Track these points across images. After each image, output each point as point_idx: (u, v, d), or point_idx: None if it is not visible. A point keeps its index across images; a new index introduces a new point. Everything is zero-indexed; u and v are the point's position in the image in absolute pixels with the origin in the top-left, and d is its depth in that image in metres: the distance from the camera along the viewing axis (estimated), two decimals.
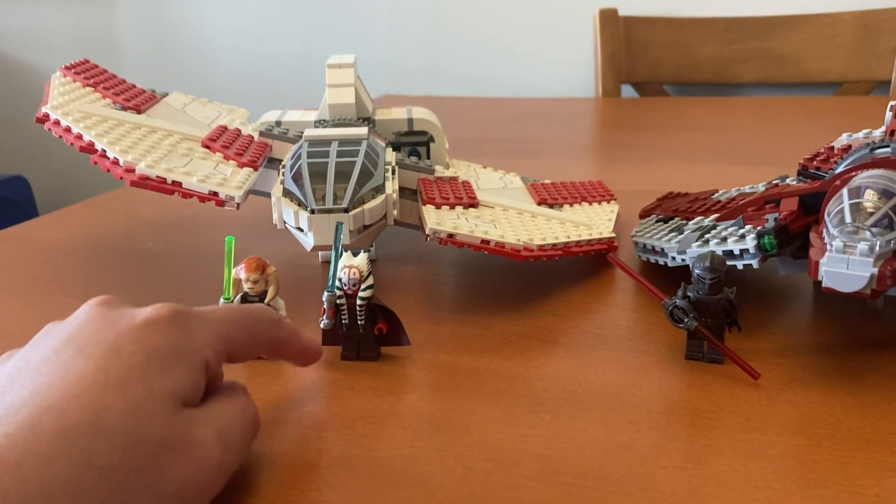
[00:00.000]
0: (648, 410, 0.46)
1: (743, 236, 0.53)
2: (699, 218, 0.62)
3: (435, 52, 1.82)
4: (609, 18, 1.59)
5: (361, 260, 0.51)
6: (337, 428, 0.45)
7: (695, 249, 0.55)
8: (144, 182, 0.55)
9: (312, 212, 0.55)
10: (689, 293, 0.50)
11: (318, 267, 0.69)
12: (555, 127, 1.30)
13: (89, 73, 0.72)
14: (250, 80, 1.94)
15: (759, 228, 0.52)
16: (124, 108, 0.67)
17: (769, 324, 0.56)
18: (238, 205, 0.56)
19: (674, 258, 0.58)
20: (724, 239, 0.54)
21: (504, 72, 1.76)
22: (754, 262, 0.52)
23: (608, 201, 0.77)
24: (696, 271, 0.49)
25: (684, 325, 0.50)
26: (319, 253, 0.70)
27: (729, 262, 0.51)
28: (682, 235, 0.59)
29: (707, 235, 0.57)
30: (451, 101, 1.51)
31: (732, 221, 0.58)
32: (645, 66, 1.62)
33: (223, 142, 0.64)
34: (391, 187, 0.59)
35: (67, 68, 0.72)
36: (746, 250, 0.52)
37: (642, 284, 0.52)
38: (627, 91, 1.66)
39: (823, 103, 1.42)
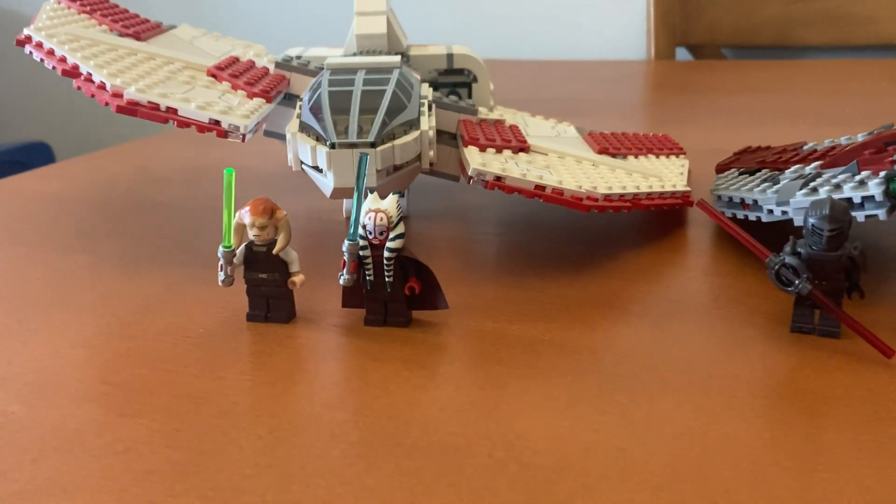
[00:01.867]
0: (752, 394, 0.36)
1: (863, 182, 0.43)
2: (798, 166, 0.51)
3: (476, 12, 1.71)
4: None
5: (390, 203, 0.42)
6: (356, 408, 0.36)
7: (801, 198, 0.45)
8: (134, 108, 0.46)
9: (332, 146, 0.46)
10: (799, 249, 0.40)
11: (342, 223, 0.60)
12: (604, 88, 1.19)
13: (87, 1, 0.63)
14: (280, 24, 1.83)
15: (885, 172, 0.42)
16: (122, 35, 0.58)
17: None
18: (244, 137, 0.46)
19: (770, 211, 0.48)
20: (838, 186, 0.44)
21: (548, 33, 1.65)
22: (881, 213, 0.42)
23: (677, 155, 0.67)
24: (812, 221, 0.39)
25: (794, 288, 0.40)
26: (344, 205, 0.61)
27: None
28: (779, 185, 0.49)
29: (813, 183, 0.46)
30: (492, 64, 1.41)
31: (843, 168, 0.47)
32: (701, 28, 1.50)
33: (233, 71, 0.55)
34: (427, 123, 0.50)
35: None
36: (870, 198, 0.42)
37: (742, 238, 0.42)
38: (682, 54, 1.54)
39: None
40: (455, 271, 0.51)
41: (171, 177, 0.74)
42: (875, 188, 0.41)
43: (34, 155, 1.92)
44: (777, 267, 0.40)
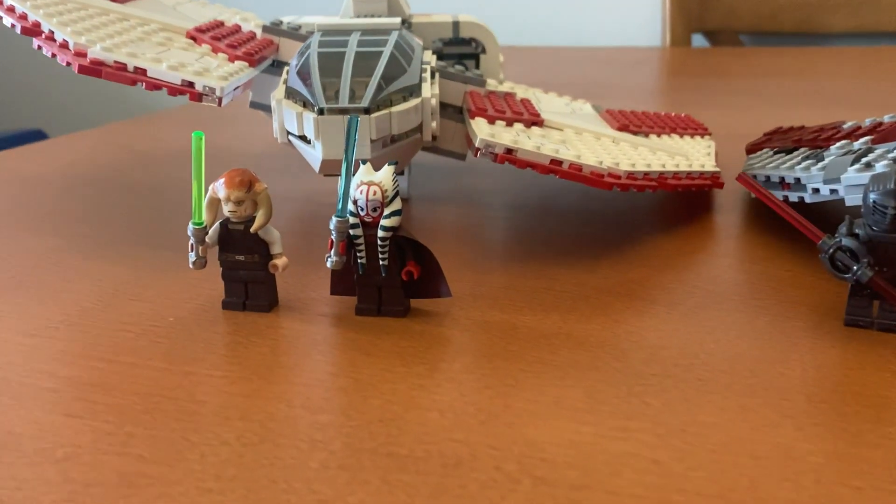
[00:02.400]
0: (808, 398, 0.31)
1: None
2: (844, 141, 0.46)
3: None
4: None
5: (385, 176, 0.36)
6: (341, 409, 0.30)
7: (853, 175, 0.39)
8: (98, 68, 0.41)
9: (321, 112, 0.40)
10: (857, 230, 0.34)
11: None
12: (619, 73, 1.13)
13: None
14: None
15: None
16: None
17: None
18: (220, 101, 0.41)
19: (816, 189, 0.42)
20: None
21: (563, 19, 1.59)
22: None
23: (702, 136, 0.61)
24: (873, 197, 0.34)
25: (852, 274, 0.34)
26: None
27: None
28: (825, 161, 0.43)
29: (865, 159, 0.41)
30: (506, 50, 1.35)
31: None
32: (719, 13, 1.44)
33: (215, 34, 0.49)
34: (430, 91, 0.44)
35: None
36: None
37: (790, 217, 0.36)
38: (698, 41, 1.49)
39: None
40: (460, 257, 0.45)
41: (156, 158, 0.69)
42: None
43: (30, 143, 1.88)
44: (832, 250, 0.34)
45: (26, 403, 0.31)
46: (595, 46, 1.41)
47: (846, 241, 0.34)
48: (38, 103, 2.23)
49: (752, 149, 0.58)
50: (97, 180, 0.63)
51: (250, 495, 0.26)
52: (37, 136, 1.91)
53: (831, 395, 0.31)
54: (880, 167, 0.38)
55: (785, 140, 0.55)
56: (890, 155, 0.40)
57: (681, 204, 0.54)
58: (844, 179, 0.40)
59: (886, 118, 0.53)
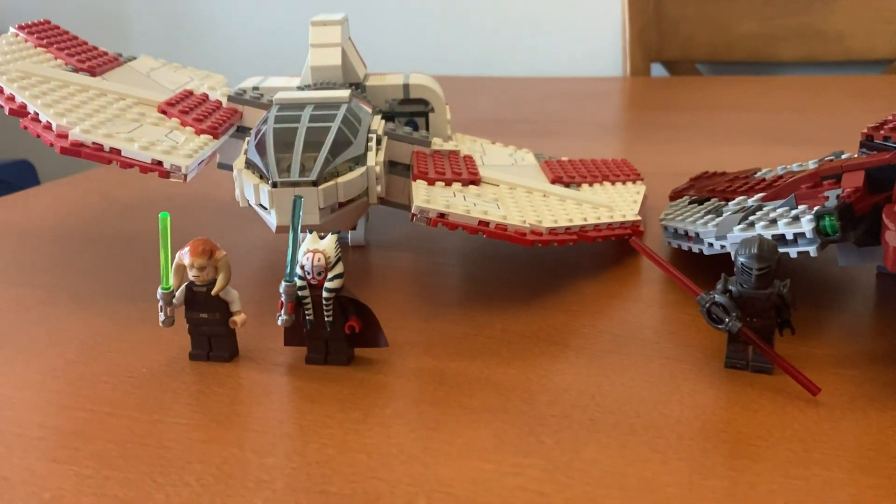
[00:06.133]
0: (679, 435, 0.36)
1: (797, 218, 0.43)
2: (741, 198, 0.52)
3: (450, 30, 1.72)
4: None
5: (329, 244, 0.42)
6: (285, 453, 0.36)
7: (738, 234, 0.45)
8: (78, 149, 0.46)
9: (274, 185, 0.46)
10: (731, 287, 0.40)
11: None
12: (577, 106, 1.19)
13: (45, 34, 0.64)
14: (263, 58, 1.85)
15: (817, 208, 0.42)
16: (76, 70, 0.58)
17: (827, 326, 0.46)
18: (185, 177, 0.47)
19: (711, 244, 0.48)
20: (774, 221, 0.45)
21: (525, 50, 1.65)
22: (811, 249, 0.42)
23: (634, 181, 0.67)
24: (741, 260, 0.40)
25: (725, 325, 0.40)
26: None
27: (780, 250, 0.41)
28: (720, 218, 0.50)
29: (752, 217, 0.47)
30: (467, 81, 1.42)
31: (782, 201, 0.48)
32: (676, 44, 1.51)
33: (183, 107, 0.55)
34: (374, 159, 0.50)
35: (22, 27, 0.64)
36: (802, 234, 0.42)
37: (672, 276, 0.42)
38: (657, 70, 1.55)
39: (871, 82, 1.30)
40: (405, 305, 0.51)
41: (135, 206, 0.74)
42: (806, 225, 0.42)
43: (17, 173, 1.92)
44: (708, 305, 0.40)
45: (17, 452, 0.37)
46: (558, 77, 1.48)
47: (719, 298, 0.40)
48: (25, 133, 2.26)
49: (676, 196, 0.64)
50: (77, 231, 0.68)
51: None
52: (24, 166, 1.95)
53: (698, 433, 0.36)
54: (759, 227, 0.44)
55: (703, 189, 0.62)
56: (772, 214, 0.46)
57: (609, 251, 0.60)
58: (730, 238, 0.46)
59: (794, 167, 0.60)
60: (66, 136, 0.47)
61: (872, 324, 0.47)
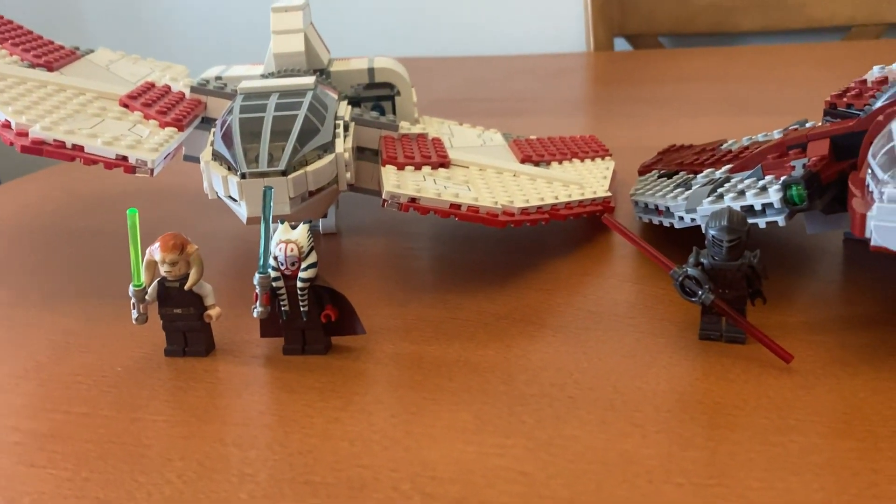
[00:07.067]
0: (656, 408, 0.37)
1: (764, 188, 0.44)
2: (709, 170, 0.52)
3: (412, 12, 1.71)
4: None
5: (301, 234, 0.42)
6: (266, 444, 0.36)
7: (707, 206, 0.46)
8: (39, 147, 0.46)
9: (243, 176, 0.46)
10: (702, 259, 0.41)
11: None
12: (543, 84, 1.19)
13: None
14: (225, 46, 1.82)
15: (783, 178, 0.43)
16: (33, 66, 0.57)
17: (798, 294, 0.47)
18: (152, 171, 0.46)
19: (681, 218, 0.49)
20: (742, 193, 0.45)
21: (487, 28, 1.65)
22: (780, 219, 0.43)
23: (602, 157, 0.67)
24: (711, 232, 0.40)
25: (697, 298, 0.40)
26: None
27: (749, 221, 0.42)
28: (690, 191, 0.50)
29: (720, 189, 0.47)
30: (431, 62, 1.41)
31: (750, 172, 0.48)
32: (638, 18, 1.51)
33: (145, 100, 0.54)
34: (342, 146, 0.50)
35: None
36: (770, 205, 0.43)
37: (644, 251, 0.43)
38: (620, 44, 1.56)
39: (831, 49, 1.31)
40: (380, 290, 0.51)
41: (102, 201, 0.73)
42: (774, 195, 0.42)
43: None
44: (681, 278, 0.41)
45: None
46: (523, 54, 1.47)
47: (691, 271, 0.40)
48: None
49: (644, 170, 0.65)
50: (44, 228, 0.67)
51: None
52: None
53: (676, 405, 0.37)
54: (728, 199, 0.45)
55: (671, 162, 0.62)
56: (739, 186, 0.46)
57: (581, 228, 0.60)
58: (700, 210, 0.46)
59: (760, 137, 0.60)
60: (26, 135, 0.46)
61: (841, 290, 0.48)
